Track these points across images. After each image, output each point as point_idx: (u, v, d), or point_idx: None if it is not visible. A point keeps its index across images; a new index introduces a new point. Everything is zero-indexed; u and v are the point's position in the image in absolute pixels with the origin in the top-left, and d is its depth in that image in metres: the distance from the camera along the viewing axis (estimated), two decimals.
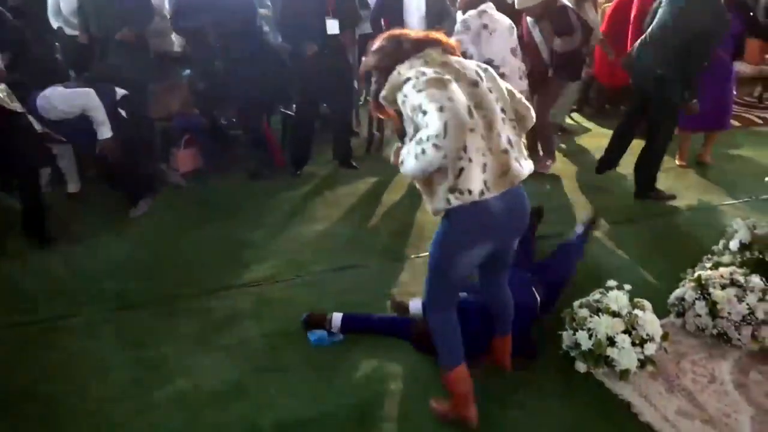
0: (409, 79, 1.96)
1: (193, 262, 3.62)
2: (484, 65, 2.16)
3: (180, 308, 3.14)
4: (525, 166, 2.14)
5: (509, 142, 2.08)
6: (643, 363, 2.56)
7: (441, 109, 1.83)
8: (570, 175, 4.99)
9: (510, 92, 2.18)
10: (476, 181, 1.98)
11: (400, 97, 1.99)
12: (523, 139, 2.23)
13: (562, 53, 4.58)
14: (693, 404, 2.47)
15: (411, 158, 1.92)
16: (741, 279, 2.82)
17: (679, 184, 4.70)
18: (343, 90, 4.99)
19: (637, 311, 2.63)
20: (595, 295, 2.73)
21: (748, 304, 2.74)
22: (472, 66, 2.09)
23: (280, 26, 5.02)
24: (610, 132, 5.83)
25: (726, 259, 3.17)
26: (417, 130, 1.92)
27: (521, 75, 4.39)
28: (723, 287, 2.82)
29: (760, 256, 3.04)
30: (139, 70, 4.59)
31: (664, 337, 2.66)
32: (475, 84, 2.03)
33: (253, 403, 2.48)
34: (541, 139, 5.01)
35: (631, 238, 3.85)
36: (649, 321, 2.61)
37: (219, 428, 2.35)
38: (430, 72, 1.96)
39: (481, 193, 1.99)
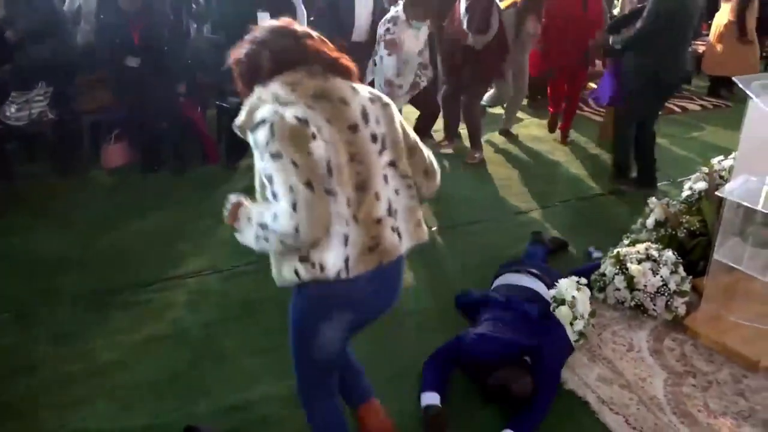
0: (264, 121, 1.51)
1: (128, 254, 3.55)
2: (380, 97, 1.70)
3: (114, 301, 3.08)
4: (405, 240, 1.70)
5: (389, 208, 1.64)
6: (577, 339, 2.70)
7: (294, 206, 1.46)
8: (499, 162, 5.15)
9: (405, 135, 1.71)
10: (333, 255, 1.57)
11: (251, 138, 1.56)
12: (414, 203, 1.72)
13: (478, 50, 4.68)
14: (612, 371, 2.63)
15: (250, 236, 1.59)
16: (655, 254, 3.01)
17: (603, 169, 4.94)
18: None
19: (576, 293, 2.76)
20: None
21: (661, 277, 2.93)
22: (358, 101, 1.62)
23: (212, 17, 4.95)
24: (541, 121, 6.13)
25: (643, 236, 3.38)
26: (264, 190, 1.56)
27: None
28: (639, 262, 3.00)
29: (673, 233, 3.25)
30: (61, 60, 4.44)
31: (592, 314, 2.82)
32: (353, 129, 1.58)
33: (188, 390, 2.48)
34: (469, 130, 5.13)
35: (560, 219, 4.04)
36: (581, 300, 2.76)
37: (153, 416, 2.34)
38: (290, 116, 1.50)
39: (338, 274, 1.58)
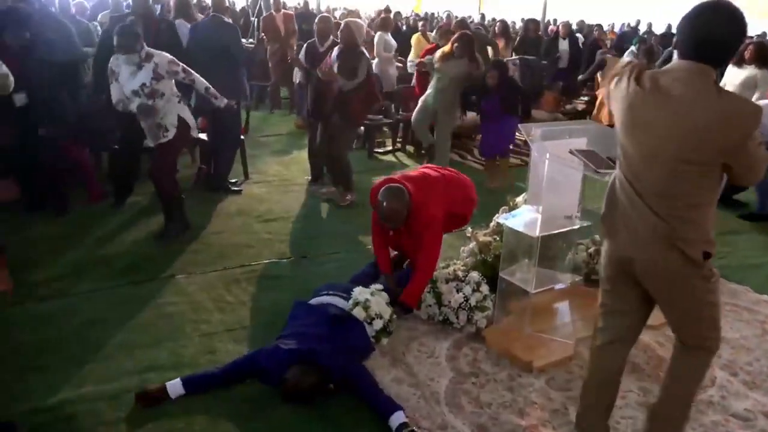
0: None
1: None
2: None
3: None
4: None
5: None
6: (375, 336, 3.12)
7: None
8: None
9: None
10: None
11: None
12: None
13: (345, 92, 5.11)
14: (408, 373, 3.02)
15: None
16: (461, 274, 3.47)
17: None
18: None
19: (370, 297, 3.18)
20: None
21: (464, 294, 3.38)
22: None
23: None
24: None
25: (469, 261, 3.84)
26: None
27: None
28: (447, 281, 3.45)
29: (485, 258, 3.73)
30: None
31: (392, 315, 3.23)
32: None
33: None
34: (336, 173, 5.47)
35: None
36: (377, 302, 3.18)
37: None
38: None
39: None
